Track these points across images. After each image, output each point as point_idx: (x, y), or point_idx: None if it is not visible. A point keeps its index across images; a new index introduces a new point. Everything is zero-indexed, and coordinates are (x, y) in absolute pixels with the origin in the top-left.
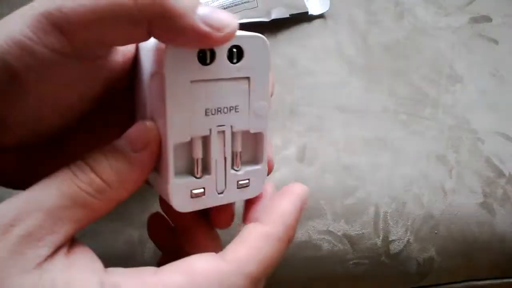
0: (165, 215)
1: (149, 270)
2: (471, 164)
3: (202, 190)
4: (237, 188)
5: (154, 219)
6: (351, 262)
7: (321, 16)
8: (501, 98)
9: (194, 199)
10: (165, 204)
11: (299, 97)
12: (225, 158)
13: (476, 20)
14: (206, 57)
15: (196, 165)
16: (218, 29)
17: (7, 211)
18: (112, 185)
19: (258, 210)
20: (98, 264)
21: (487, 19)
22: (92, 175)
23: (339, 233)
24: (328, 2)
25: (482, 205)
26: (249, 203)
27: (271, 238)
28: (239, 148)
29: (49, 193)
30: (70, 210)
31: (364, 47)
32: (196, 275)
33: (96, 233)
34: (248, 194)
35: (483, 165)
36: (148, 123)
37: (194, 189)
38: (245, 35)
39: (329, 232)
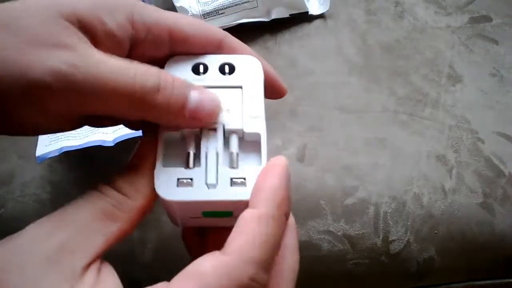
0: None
1: (162, 285)
2: (471, 164)
3: (189, 180)
4: (231, 186)
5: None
6: (351, 262)
7: (321, 16)
8: (501, 98)
9: (180, 188)
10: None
11: (299, 97)
12: (217, 154)
13: (476, 20)
14: (199, 69)
15: (187, 157)
16: (199, 119)
17: (43, 225)
18: (130, 195)
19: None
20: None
21: (487, 19)
22: (112, 191)
23: (339, 233)
24: (328, 2)
25: (482, 205)
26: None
27: (264, 219)
28: (235, 149)
29: (81, 208)
30: (100, 223)
31: (364, 47)
32: (204, 277)
33: None
34: (244, 194)
35: (483, 165)
36: (146, 138)
37: (181, 178)
38: (235, 55)
39: (329, 232)
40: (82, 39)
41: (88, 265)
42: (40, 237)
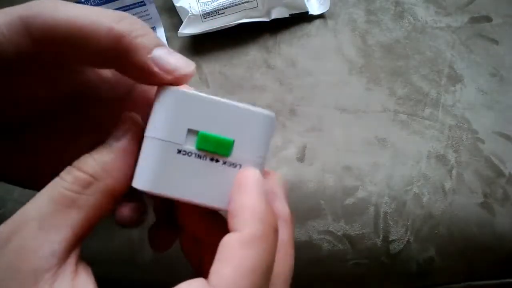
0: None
1: None
2: (471, 164)
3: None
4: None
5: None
6: (351, 262)
7: (321, 16)
8: (501, 98)
9: (185, 89)
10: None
11: (299, 97)
12: None
13: (476, 20)
14: None
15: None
16: (167, 71)
17: (4, 227)
18: (97, 176)
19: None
20: None
21: (487, 19)
22: (77, 172)
23: (339, 233)
24: (328, 2)
25: (482, 205)
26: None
27: (249, 241)
28: None
29: (40, 202)
30: (62, 214)
31: (364, 47)
32: None
33: (96, 233)
34: (251, 107)
35: (483, 165)
36: (130, 113)
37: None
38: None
39: (329, 232)
40: None
41: (60, 264)
42: (2, 241)
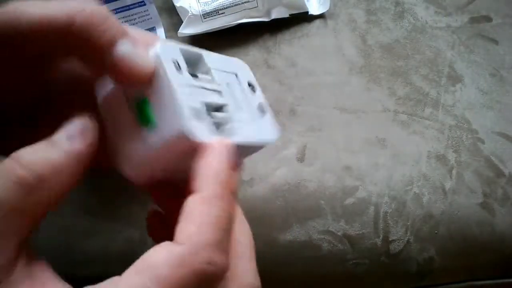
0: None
1: (112, 282)
2: (471, 164)
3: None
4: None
5: (153, 216)
6: (351, 262)
7: (321, 16)
8: (501, 98)
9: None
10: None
11: (299, 97)
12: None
13: (476, 20)
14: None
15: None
16: (126, 73)
17: None
18: (44, 179)
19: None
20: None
21: (487, 19)
22: (21, 171)
23: (339, 233)
24: (328, 2)
25: (482, 205)
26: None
27: (209, 200)
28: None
29: None
30: (5, 221)
31: (364, 47)
32: (157, 269)
33: (96, 233)
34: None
35: (483, 165)
36: (88, 115)
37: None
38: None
39: (329, 232)
40: None
41: (9, 274)
42: None
